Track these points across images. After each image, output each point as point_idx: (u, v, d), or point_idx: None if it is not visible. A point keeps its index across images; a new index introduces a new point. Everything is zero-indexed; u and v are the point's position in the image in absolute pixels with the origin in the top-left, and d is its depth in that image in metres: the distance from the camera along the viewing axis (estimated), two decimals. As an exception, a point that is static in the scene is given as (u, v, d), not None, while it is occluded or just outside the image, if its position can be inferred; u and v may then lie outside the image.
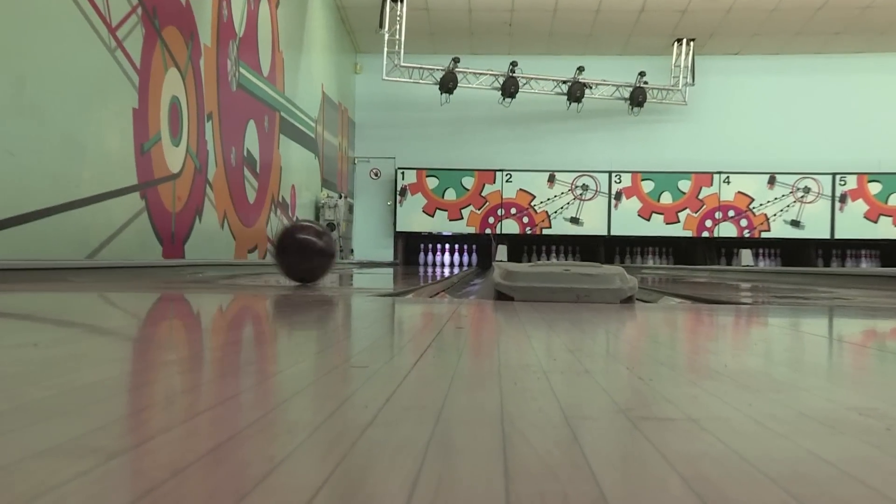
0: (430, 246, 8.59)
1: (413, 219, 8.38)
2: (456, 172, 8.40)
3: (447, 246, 8.62)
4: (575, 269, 1.89)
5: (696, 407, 0.55)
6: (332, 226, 7.15)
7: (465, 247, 8.64)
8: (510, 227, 8.34)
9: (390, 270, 4.11)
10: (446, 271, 5.80)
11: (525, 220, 8.35)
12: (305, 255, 2.26)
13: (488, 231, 8.36)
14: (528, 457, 0.41)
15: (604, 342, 1.08)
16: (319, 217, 7.10)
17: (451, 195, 8.39)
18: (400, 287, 2.49)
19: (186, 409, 0.52)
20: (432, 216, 8.37)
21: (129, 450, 0.41)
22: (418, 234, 8.52)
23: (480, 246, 8.61)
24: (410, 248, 8.59)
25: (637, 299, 1.90)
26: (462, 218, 8.36)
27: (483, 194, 8.38)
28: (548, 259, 8.48)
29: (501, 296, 1.90)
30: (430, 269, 6.20)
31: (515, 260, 8.00)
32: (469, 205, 8.37)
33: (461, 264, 8.50)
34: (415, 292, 2.36)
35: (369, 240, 8.57)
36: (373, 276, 4.21)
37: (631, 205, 8.31)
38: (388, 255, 8.44)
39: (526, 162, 8.48)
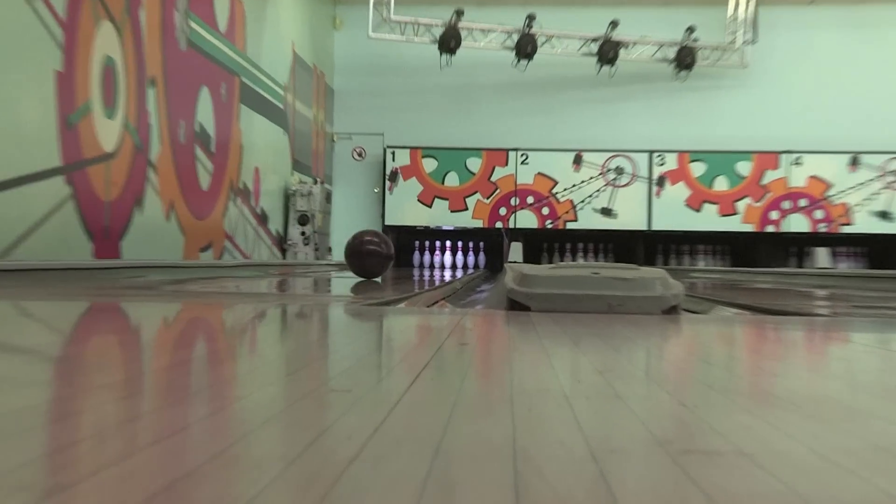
0: (427, 244, 8.56)
1: (406, 210, 8.38)
2: (459, 153, 8.43)
3: (448, 243, 8.62)
4: (606, 272, 1.91)
5: (750, 439, 0.56)
6: (304, 218, 7.20)
7: (471, 244, 8.65)
8: (526, 220, 8.38)
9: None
10: (447, 275, 5.84)
11: (545, 211, 8.39)
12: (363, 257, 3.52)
13: (499, 225, 8.37)
14: (545, 498, 0.42)
15: (641, 362, 1.10)
16: (290, 207, 7.16)
17: (452, 180, 8.41)
18: (389, 294, 2.52)
19: (130, 441, 0.54)
20: (430, 206, 8.39)
21: (65, 488, 0.41)
22: (412, 228, 8.50)
23: (489, 244, 8.62)
24: (403, 246, 8.61)
25: (683, 309, 1.92)
26: (466, 209, 8.38)
27: (492, 179, 8.40)
28: (573, 260, 8.51)
29: (515, 305, 1.93)
30: (426, 273, 6.23)
31: (533, 261, 7.99)
32: (475, 192, 8.40)
33: (465, 266, 8.54)
34: (408, 301, 2.38)
35: (351, 235, 8.68)
36: (356, 281, 4.26)
37: (677, 192, 8.33)
38: (374, 254, 8.59)
39: (546, 139, 8.51)
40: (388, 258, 3.69)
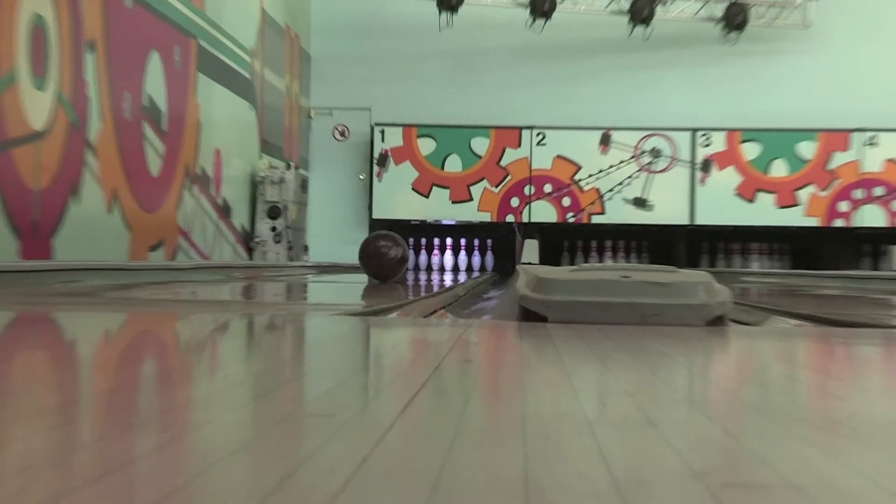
0: (424, 242, 8.57)
1: (398, 201, 8.39)
2: (462, 131, 8.44)
3: (449, 241, 8.61)
4: (639, 275, 1.93)
5: (803, 470, 0.57)
6: (275, 210, 7.19)
7: (476, 242, 8.63)
8: (543, 212, 8.40)
9: (363, 277, 4.15)
10: (447, 279, 5.88)
11: (566, 202, 8.41)
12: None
13: (510, 219, 8.41)
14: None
15: (679, 383, 1.11)
16: (258, 198, 7.17)
17: (454, 165, 8.43)
18: (378, 302, 2.54)
19: (67, 478, 0.53)
20: (426, 197, 8.40)
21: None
22: (406, 223, 8.53)
23: (498, 241, 8.60)
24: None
25: (731, 320, 1.93)
26: (471, 199, 8.40)
27: (502, 164, 8.42)
28: (599, 261, 8.50)
29: (530, 315, 1.95)
30: (422, 276, 6.24)
31: (551, 262, 7.92)
32: (481, 179, 8.42)
33: (470, 269, 8.53)
34: (401, 310, 2.42)
35: (332, 232, 8.58)
36: (337, 287, 4.27)
37: (725, 179, 8.30)
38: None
39: (567, 115, 8.47)
40: (402, 260, 4.31)
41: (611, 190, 8.33)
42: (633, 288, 1.89)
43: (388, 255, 4.21)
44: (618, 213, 8.35)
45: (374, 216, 8.41)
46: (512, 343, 1.56)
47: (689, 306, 1.85)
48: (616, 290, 1.89)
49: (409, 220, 8.60)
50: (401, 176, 8.41)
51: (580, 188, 8.37)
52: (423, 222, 8.61)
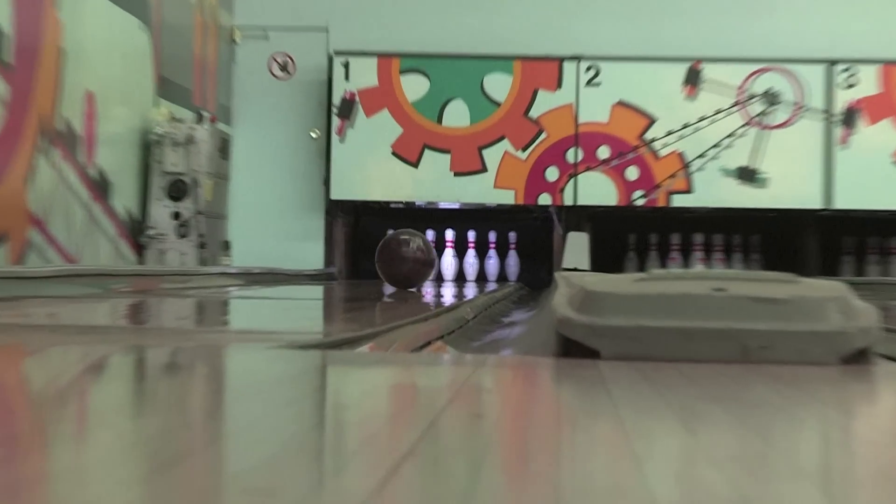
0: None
1: (371, 172, 8.48)
2: (470, 65, 8.48)
3: (450, 235, 8.73)
4: (740, 286, 1.95)
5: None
6: (180, 186, 7.21)
7: (493, 237, 8.75)
8: (597, 190, 8.43)
9: (318, 291, 4.17)
10: (448, 293, 5.91)
11: (631, 174, 8.44)
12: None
13: (546, 201, 8.45)
14: None
15: (799, 451, 1.13)
16: (152, 167, 7.21)
17: (458, 117, 8.48)
18: (342, 329, 2.61)
19: None
20: (415, 166, 8.47)
21: None
22: (382, 207, 8.57)
23: (527, 235, 8.69)
24: (365, 240, 8.67)
25: (880, 355, 1.95)
26: (484, 170, 8.46)
27: (533, 115, 8.45)
28: (684, 265, 8.56)
29: (572, 348, 1.98)
30: (410, 290, 6.35)
31: (609, 267, 7.91)
32: (500, 139, 8.46)
33: (482, 277, 8.59)
34: (376, 340, 2.45)
35: (268, 220, 8.68)
36: (278, 306, 4.28)
37: (879, 138, 8.32)
38: (311, 255, 8.56)
39: (632, 40, 8.54)
40: (427, 264, 5.35)
41: (702, 156, 8.35)
42: (730, 307, 1.90)
43: (403, 253, 5.23)
44: (713, 191, 8.37)
45: (334, 196, 8.46)
46: (545, 390, 1.60)
47: (816, 335, 1.86)
48: (704, 309, 1.91)
49: (388, 203, 8.61)
50: (375, 134, 8.45)
51: (654, 153, 8.39)
52: (409, 206, 8.59)
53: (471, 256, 8.73)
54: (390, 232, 6.04)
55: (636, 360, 1.87)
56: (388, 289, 5.43)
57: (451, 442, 1.08)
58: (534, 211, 8.59)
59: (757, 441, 1.14)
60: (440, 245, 8.69)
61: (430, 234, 8.60)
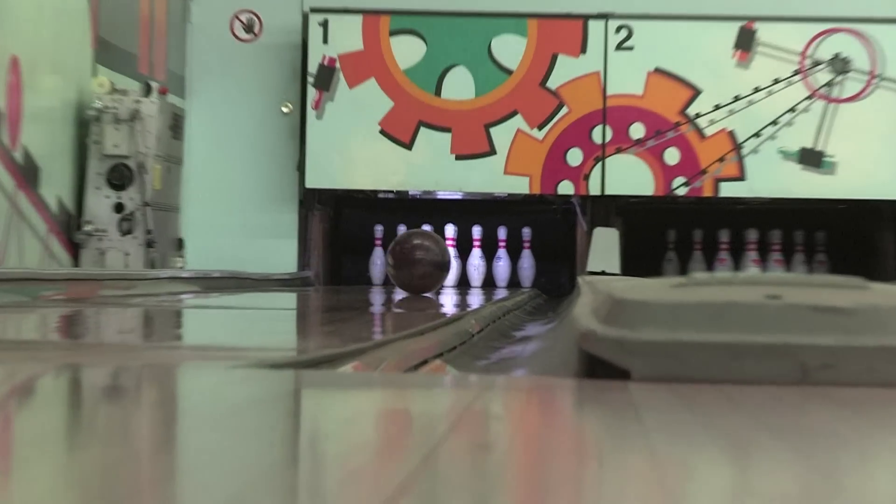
0: (404, 231, 8.43)
1: (354, 155, 8.49)
2: (476, 24, 8.49)
3: (451, 231, 8.71)
4: (798, 294, 1.96)
5: None
6: (123, 173, 7.21)
7: (503, 233, 8.78)
8: (630, 177, 8.45)
9: (291, 299, 4.16)
10: (448, 302, 5.93)
11: (671, 157, 8.44)
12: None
13: (568, 190, 8.46)
14: None
15: (872, 488, 1.13)
16: (89, 149, 7.20)
17: (460, 87, 8.49)
18: (321, 345, 2.64)
19: None
20: (408, 147, 8.48)
21: None
22: (368, 197, 8.66)
23: (543, 231, 8.76)
24: (348, 237, 8.73)
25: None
26: (493, 152, 8.47)
27: (551, 85, 8.46)
28: (735, 267, 8.51)
29: (598, 367, 1.98)
30: (403, 296, 6.28)
31: (644, 270, 7.71)
32: (512, 115, 8.47)
33: (490, 282, 8.61)
34: (362, 358, 2.45)
35: (231, 213, 8.72)
36: (242, 317, 4.32)
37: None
38: (282, 256, 8.58)
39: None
40: (441, 267, 6.01)
41: (757, 135, 8.35)
42: (786, 318, 1.91)
43: (416, 257, 5.81)
44: (769, 178, 8.37)
45: (310, 184, 8.47)
46: (564, 417, 1.61)
47: (890, 351, 1.85)
48: (756, 321, 1.91)
49: (376, 193, 8.65)
50: (360, 108, 8.46)
51: (699, 132, 8.40)
52: (401, 196, 8.63)
53: (476, 257, 8.72)
54: (402, 229, 6.52)
55: (674, 382, 1.87)
56: (374, 296, 5.42)
57: (452, 478, 1.08)
58: (552, 202, 8.60)
59: (819, 480, 1.14)
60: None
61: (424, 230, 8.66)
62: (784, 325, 1.91)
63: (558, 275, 8.51)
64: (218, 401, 1.75)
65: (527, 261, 8.74)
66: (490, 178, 8.46)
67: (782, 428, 1.48)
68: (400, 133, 8.45)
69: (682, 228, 8.77)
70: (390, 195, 8.71)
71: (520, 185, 8.47)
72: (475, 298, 6.67)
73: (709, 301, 1.98)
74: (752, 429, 1.47)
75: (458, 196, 8.74)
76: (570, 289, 7.17)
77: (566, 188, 8.42)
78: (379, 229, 8.71)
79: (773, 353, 1.89)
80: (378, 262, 8.63)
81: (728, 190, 8.40)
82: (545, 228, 8.76)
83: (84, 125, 7.20)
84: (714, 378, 1.88)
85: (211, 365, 2.20)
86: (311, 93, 8.46)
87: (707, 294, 2.00)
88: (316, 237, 8.63)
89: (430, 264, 5.83)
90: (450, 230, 8.69)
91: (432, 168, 8.45)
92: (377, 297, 5.62)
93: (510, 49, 8.45)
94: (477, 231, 8.75)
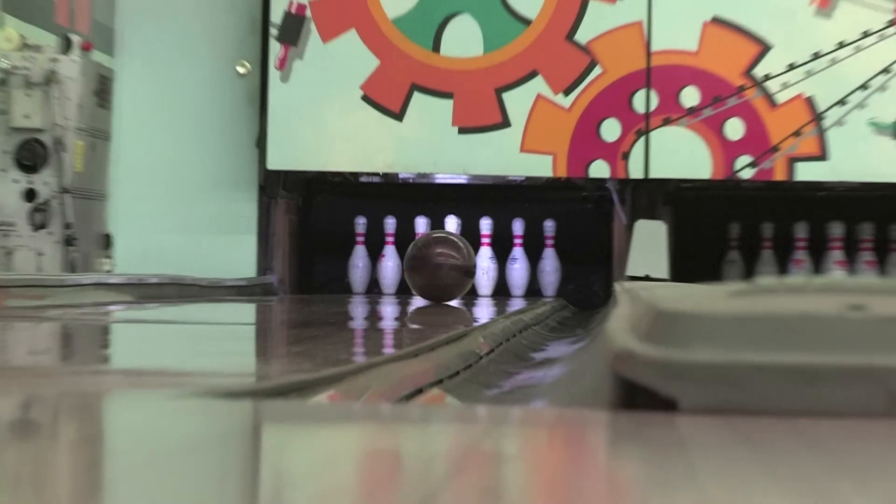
0: (395, 223, 8.82)
1: (329, 128, 8.51)
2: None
3: (454, 223, 8.76)
4: (885, 303, 1.97)
5: None
6: (32, 150, 7.22)
7: (519, 228, 8.81)
8: (678, 155, 8.47)
9: (249, 312, 4.15)
10: (450, 316, 5.92)
11: (733, 131, 8.44)
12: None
13: (602, 172, 8.49)
14: None
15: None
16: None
17: (463, 41, 8.48)
18: (286, 369, 2.65)
19: None
20: (398, 118, 8.50)
21: None
22: (349, 182, 8.76)
23: (571, 224, 8.81)
24: (321, 234, 8.85)
25: None
26: (506, 125, 8.46)
27: (579, 40, 8.45)
28: (814, 270, 8.54)
29: (637, 395, 1.99)
30: (391, 308, 6.45)
31: (695, 271, 7.69)
32: (530, 76, 8.48)
33: (504, 289, 8.64)
34: (341, 386, 2.46)
35: (172, 201, 8.77)
36: (187, 333, 4.35)
37: None
38: (237, 256, 8.64)
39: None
40: (465, 271, 6.58)
41: (842, 102, 8.35)
42: (873, 333, 1.92)
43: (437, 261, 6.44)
44: (858, 157, 8.37)
45: (273, 164, 8.49)
46: (595, 458, 1.63)
47: None
48: (835, 337, 1.92)
49: (358, 176, 8.73)
50: (336, 68, 8.49)
51: (769, 98, 8.41)
52: (390, 181, 8.72)
53: (486, 257, 8.69)
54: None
55: (731, 414, 1.86)
56: (356, 308, 5.38)
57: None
58: (582, 188, 8.66)
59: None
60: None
61: (421, 224, 8.73)
62: (869, 343, 1.92)
63: (589, 280, 8.59)
64: (155, 439, 1.74)
65: (550, 263, 8.78)
66: (503, 157, 8.47)
67: (866, 470, 1.48)
68: (387, 100, 8.47)
69: (748, 221, 8.77)
70: (375, 179, 8.74)
71: (541, 167, 8.48)
72: (484, 310, 6.68)
73: (776, 313, 1.99)
74: (829, 473, 1.47)
75: (462, 180, 8.76)
76: (604, 298, 7.27)
77: (600, 170, 8.42)
78: (361, 223, 8.72)
79: (856, 377, 1.89)
80: (360, 264, 8.66)
81: (806, 172, 8.42)
82: (573, 221, 8.79)
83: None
84: (782, 408, 1.88)
85: (147, 394, 2.20)
86: (275, 48, 8.47)
87: (774, 304, 2.00)
88: (280, 232, 8.65)
89: (452, 268, 6.40)
90: (451, 223, 8.73)
91: (429, 145, 8.47)
92: (360, 308, 5.59)
93: (528, -5, 8.47)
94: (486, 225, 8.74)
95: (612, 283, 7.14)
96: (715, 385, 1.94)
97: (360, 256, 8.68)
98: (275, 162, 8.46)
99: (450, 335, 4.02)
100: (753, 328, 1.98)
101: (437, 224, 8.71)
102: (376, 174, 8.72)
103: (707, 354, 1.96)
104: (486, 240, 8.74)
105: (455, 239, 6.69)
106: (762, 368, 1.94)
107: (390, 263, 8.65)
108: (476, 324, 5.00)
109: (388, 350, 3.58)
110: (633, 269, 8.10)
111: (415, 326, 4.99)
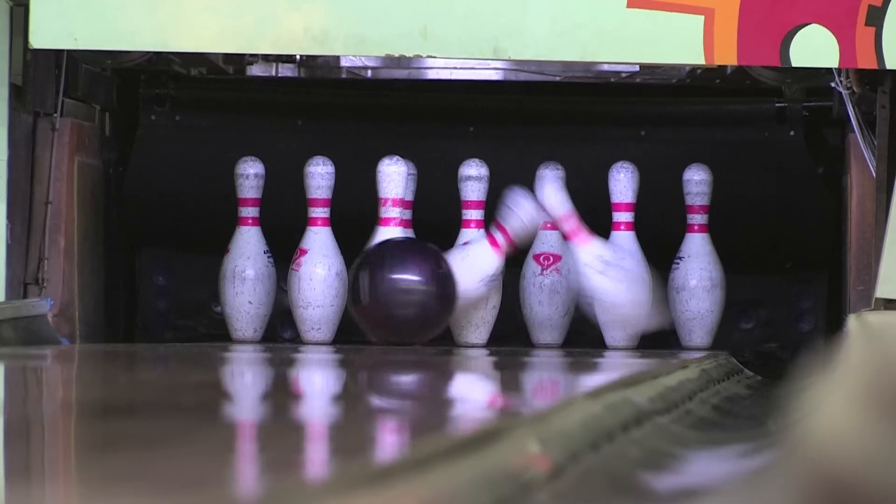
0: (332, 188, 7.67)
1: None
2: None
3: (477, 171, 7.49)
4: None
5: None
6: None
7: (631, 180, 7.48)
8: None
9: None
10: (471, 390, 5.47)
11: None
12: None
13: (815, 61, 7.11)
14: None
15: None
16: None
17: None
18: None
19: None
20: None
21: None
22: (219, 75, 8.04)
23: (745, 178, 7.60)
24: (154, 203, 7.86)
25: None
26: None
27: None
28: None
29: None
30: (313, 369, 6.08)
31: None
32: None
33: (587, 331, 7.52)
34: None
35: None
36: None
37: None
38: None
39: None
40: (444, 301, 5.91)
41: None
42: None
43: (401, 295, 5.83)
44: None
45: (38, 39, 6.94)
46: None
47: None
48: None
49: (243, 63, 7.62)
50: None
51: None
52: (315, 74, 7.59)
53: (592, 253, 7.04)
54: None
55: None
56: (234, 370, 5.19)
57: None
58: (773, 92, 7.20)
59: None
60: (437, 222, 7.06)
61: (395, 179, 7.02)
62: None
63: (788, 300, 7.03)
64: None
65: (702, 267, 7.18)
66: (575, 21, 6.65)
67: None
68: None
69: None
70: (285, 73, 7.50)
71: (676, 42, 6.55)
72: (544, 376, 5.52)
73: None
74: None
75: (489, 74, 7.35)
76: (816, 338, 6.01)
77: (808, 55, 6.56)
78: (251, 174, 7.03)
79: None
80: (248, 271, 7.20)
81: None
82: (745, 173, 7.18)
83: None
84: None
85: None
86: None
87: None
88: (63, 195, 7.05)
89: (423, 296, 5.60)
90: (472, 188, 6.99)
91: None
92: (248, 369, 5.01)
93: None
94: (549, 186, 6.96)
95: (841, 313, 5.87)
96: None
97: (248, 254, 7.10)
98: (45, 33, 6.74)
99: (460, 438, 2.93)
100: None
101: (450, 178, 7.03)
102: (289, 59, 7.33)
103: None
104: (560, 212, 6.85)
105: (429, 249, 5.34)
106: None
107: (318, 271, 6.94)
108: (525, 408, 3.81)
109: (320, 474, 2.36)
110: (890, 282, 6.41)
111: (379, 406, 3.93)
